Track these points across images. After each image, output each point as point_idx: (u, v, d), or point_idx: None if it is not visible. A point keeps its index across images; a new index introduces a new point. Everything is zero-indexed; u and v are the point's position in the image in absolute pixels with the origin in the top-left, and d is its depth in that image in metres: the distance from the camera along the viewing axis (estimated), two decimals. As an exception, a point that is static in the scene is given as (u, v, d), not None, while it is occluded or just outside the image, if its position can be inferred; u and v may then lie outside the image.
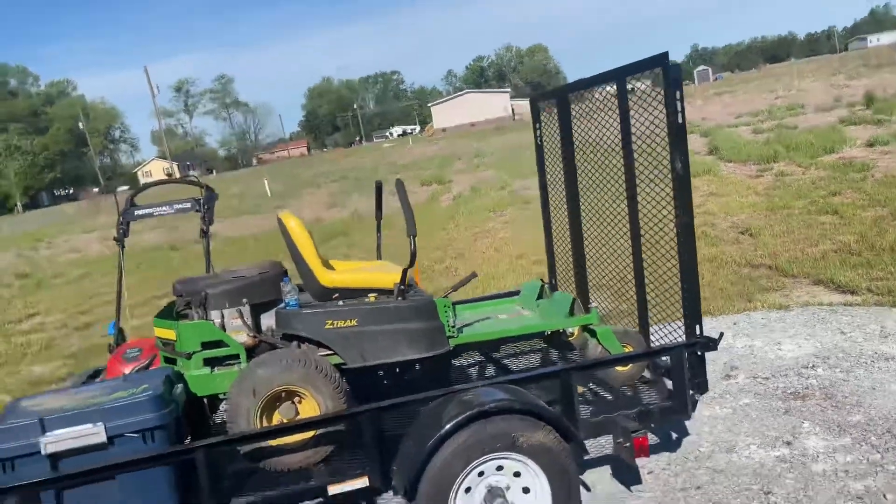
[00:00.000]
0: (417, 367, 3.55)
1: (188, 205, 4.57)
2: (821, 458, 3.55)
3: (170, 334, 3.35)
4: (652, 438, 3.86)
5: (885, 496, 3.14)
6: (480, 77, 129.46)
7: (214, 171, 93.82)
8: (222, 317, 3.38)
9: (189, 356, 3.26)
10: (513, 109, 66.81)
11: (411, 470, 2.82)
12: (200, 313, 3.37)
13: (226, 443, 2.86)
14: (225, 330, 3.35)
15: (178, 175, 68.17)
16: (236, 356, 3.31)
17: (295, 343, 3.33)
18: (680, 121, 3.19)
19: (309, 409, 3.15)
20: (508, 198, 15.44)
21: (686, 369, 3.26)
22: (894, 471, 3.33)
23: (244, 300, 3.41)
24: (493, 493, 2.94)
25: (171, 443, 2.86)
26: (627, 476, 3.63)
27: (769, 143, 15.75)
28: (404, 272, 3.35)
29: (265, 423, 3.10)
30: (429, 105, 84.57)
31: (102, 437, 2.72)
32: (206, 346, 3.28)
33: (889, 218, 8.39)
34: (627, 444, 3.08)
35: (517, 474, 2.96)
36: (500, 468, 2.94)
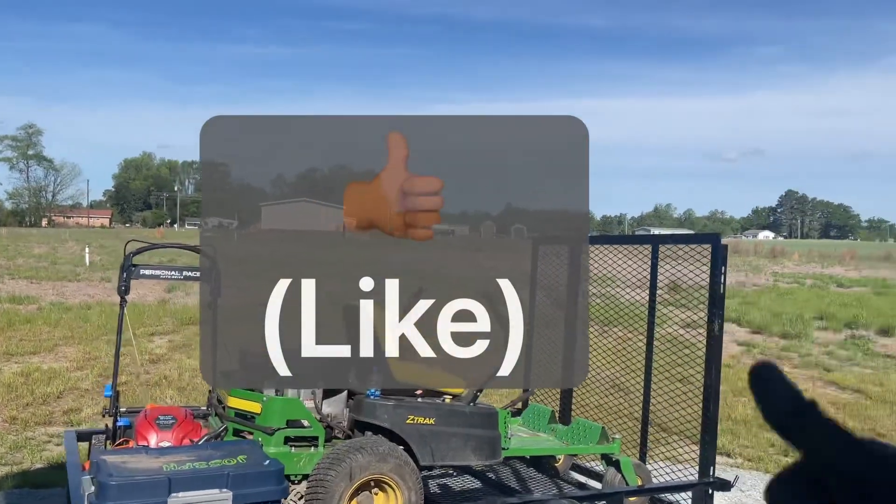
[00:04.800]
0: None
1: (197, 274, 4.48)
2: None
3: (251, 406, 3.27)
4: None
5: None
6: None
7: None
8: (299, 397, 3.37)
9: (272, 432, 3.19)
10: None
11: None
12: (279, 390, 3.34)
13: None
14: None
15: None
16: (314, 438, 3.29)
17: (369, 433, 3.38)
18: (721, 291, 3.86)
19: (386, 502, 3.19)
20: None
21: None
22: None
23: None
24: None
25: (278, 519, 2.78)
26: None
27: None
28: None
29: (347, 511, 3.09)
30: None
31: (228, 506, 2.61)
32: (289, 424, 3.24)
33: (731, 394, 9.78)
34: (665, 567, 3.43)
35: (583, 586, 3.19)
36: (572, 578, 3.16)
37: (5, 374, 8.91)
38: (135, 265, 4.19)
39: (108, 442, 3.76)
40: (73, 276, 21.43)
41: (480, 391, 3.61)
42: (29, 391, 8.07)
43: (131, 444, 3.47)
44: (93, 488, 2.51)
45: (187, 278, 4.45)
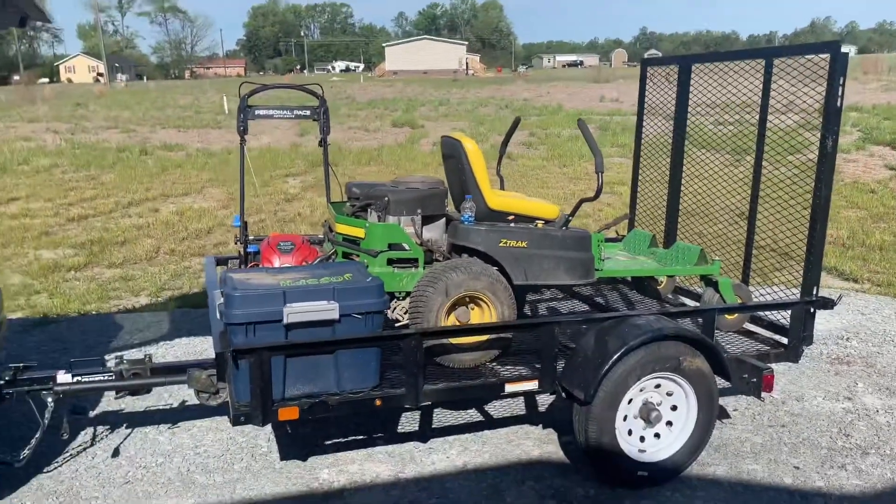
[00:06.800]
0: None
1: (308, 112, 4.69)
2: (881, 413, 4.14)
3: (356, 232, 3.56)
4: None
5: (949, 446, 3.75)
6: (432, 24, 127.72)
7: (146, 78, 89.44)
8: (399, 223, 3.61)
9: (376, 254, 3.48)
10: (467, 63, 66.64)
11: (594, 377, 3.17)
12: (381, 217, 3.59)
13: (442, 333, 3.15)
14: (400, 235, 3.58)
15: (105, 75, 65.21)
16: (415, 260, 3.56)
17: (465, 255, 3.60)
18: (839, 105, 3.60)
19: (481, 315, 3.45)
20: (492, 151, 15.72)
21: (802, 322, 3.75)
22: (949, 428, 3.96)
23: (418, 210, 3.64)
24: (648, 406, 3.34)
25: (381, 328, 3.11)
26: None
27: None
28: (580, 203, 3.67)
29: (445, 323, 3.38)
30: (382, 45, 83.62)
31: (335, 315, 2.95)
32: (391, 247, 3.51)
33: (869, 220, 9.24)
34: (755, 380, 3.53)
35: (669, 393, 3.37)
36: (658, 386, 3.34)
37: (163, 212, 9.97)
38: (250, 106, 4.46)
39: (241, 265, 4.24)
40: (214, 123, 22.78)
41: (572, 216, 3.69)
42: (184, 227, 9.03)
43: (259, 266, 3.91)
44: (221, 299, 2.91)
45: (298, 117, 4.69)
